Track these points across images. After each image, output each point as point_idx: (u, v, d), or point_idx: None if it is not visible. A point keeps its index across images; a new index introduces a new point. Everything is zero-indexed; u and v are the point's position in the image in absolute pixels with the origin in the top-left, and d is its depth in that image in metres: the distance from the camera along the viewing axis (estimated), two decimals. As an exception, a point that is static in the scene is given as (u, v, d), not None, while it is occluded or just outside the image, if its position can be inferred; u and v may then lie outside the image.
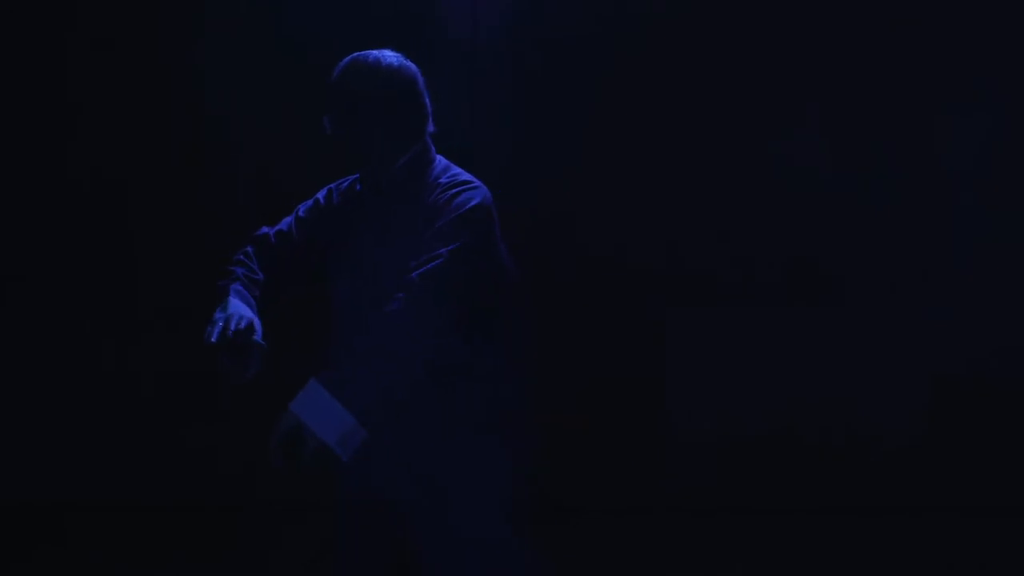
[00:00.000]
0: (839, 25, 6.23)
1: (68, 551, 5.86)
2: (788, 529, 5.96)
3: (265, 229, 3.52)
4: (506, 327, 3.40)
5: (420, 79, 3.43)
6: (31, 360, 6.41)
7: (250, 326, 3.20)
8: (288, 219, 3.54)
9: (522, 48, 6.25)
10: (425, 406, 3.31)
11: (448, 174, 3.39)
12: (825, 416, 6.27)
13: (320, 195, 3.56)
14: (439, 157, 3.47)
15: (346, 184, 3.56)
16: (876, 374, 6.26)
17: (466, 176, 3.39)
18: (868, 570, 5.54)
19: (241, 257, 3.46)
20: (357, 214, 3.45)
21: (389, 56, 3.41)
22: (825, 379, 6.27)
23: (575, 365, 6.28)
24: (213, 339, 3.14)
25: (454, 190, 3.34)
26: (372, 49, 3.42)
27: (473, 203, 3.31)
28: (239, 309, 3.24)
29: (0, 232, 6.43)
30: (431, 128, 3.46)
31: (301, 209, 3.55)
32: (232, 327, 3.16)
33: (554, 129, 6.28)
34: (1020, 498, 6.10)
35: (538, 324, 3.55)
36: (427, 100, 3.44)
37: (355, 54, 3.41)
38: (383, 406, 3.14)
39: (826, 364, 6.27)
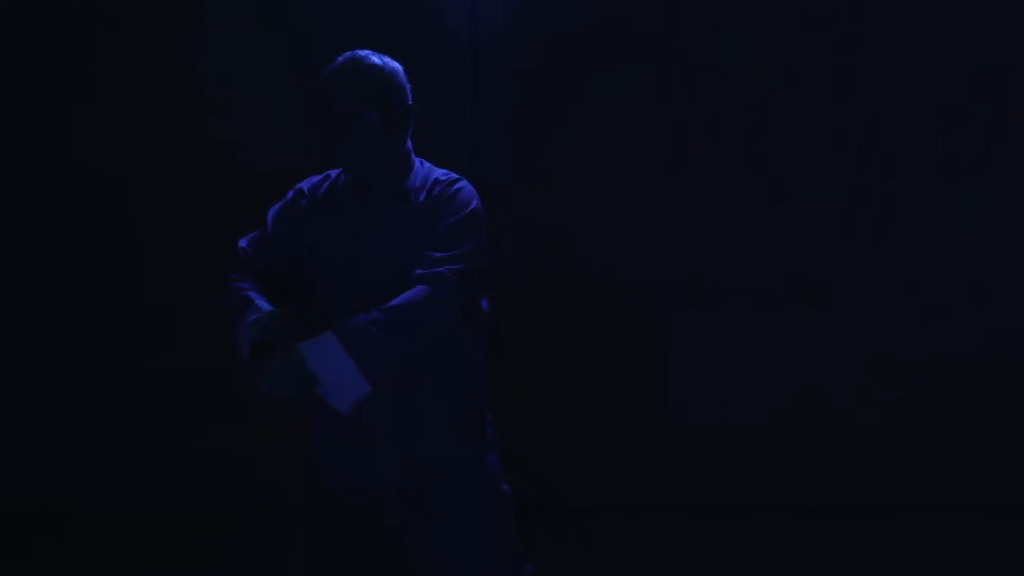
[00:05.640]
0: (839, 25, 6.23)
1: (68, 551, 5.87)
2: (788, 529, 5.96)
3: (243, 244, 3.55)
4: (481, 315, 3.43)
5: (406, 77, 3.47)
6: (30, 360, 6.41)
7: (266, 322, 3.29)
8: (259, 232, 3.57)
9: (522, 48, 6.25)
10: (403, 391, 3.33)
11: (440, 171, 3.45)
12: (827, 416, 6.26)
13: (289, 197, 3.58)
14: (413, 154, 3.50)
15: (319, 182, 3.56)
16: (879, 374, 6.25)
17: (455, 174, 3.45)
18: (868, 570, 5.54)
19: (235, 279, 3.50)
20: (340, 213, 3.45)
21: (380, 55, 3.44)
22: (827, 379, 6.27)
23: (575, 365, 6.28)
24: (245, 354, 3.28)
25: (454, 187, 3.37)
26: (359, 49, 3.45)
27: (476, 201, 3.38)
28: (258, 308, 3.34)
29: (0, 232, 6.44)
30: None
31: (271, 215, 3.57)
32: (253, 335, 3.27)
33: (554, 129, 6.28)
34: (1021, 498, 6.11)
35: (505, 316, 3.57)
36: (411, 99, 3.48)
37: (348, 53, 3.42)
38: (389, 373, 3.18)
39: (828, 364, 6.27)
